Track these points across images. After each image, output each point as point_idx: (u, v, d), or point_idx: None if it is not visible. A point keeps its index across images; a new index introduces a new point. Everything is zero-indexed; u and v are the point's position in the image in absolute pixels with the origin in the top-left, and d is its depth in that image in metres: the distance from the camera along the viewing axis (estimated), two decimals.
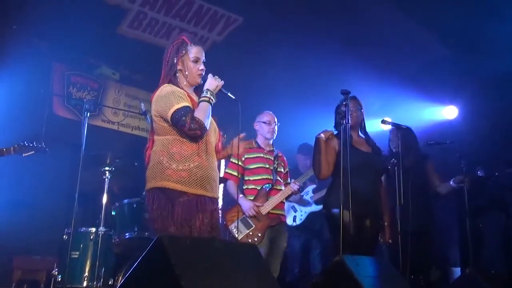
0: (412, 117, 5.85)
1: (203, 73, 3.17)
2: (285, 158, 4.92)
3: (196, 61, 3.15)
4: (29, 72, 5.31)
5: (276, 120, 4.78)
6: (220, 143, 3.29)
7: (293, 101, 6.47)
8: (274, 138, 4.79)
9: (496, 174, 5.17)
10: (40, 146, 4.18)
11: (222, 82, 3.15)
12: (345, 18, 5.76)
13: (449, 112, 6.79)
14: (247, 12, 6.16)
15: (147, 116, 4.93)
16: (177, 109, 2.95)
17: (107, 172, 4.77)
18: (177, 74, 3.15)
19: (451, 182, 4.89)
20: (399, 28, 5.82)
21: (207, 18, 6.23)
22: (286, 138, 5.35)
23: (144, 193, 4.87)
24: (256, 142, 4.78)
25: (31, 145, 4.14)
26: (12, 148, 4.06)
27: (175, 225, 2.91)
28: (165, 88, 3.06)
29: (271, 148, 4.80)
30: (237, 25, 6.36)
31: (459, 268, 5.60)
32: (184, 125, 2.92)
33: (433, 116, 6.73)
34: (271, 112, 4.83)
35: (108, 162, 4.80)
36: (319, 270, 5.42)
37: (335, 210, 3.87)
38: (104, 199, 4.69)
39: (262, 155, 4.70)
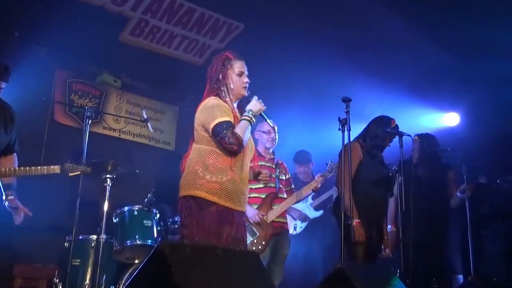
0: (413, 124, 5.85)
1: (247, 85, 3.32)
2: (285, 165, 4.93)
3: (240, 74, 3.30)
4: (30, 80, 5.31)
5: (276, 128, 4.78)
6: (255, 158, 3.42)
7: (294, 108, 6.47)
8: (274, 146, 4.79)
9: (498, 181, 5.17)
10: (86, 166, 4.11)
11: (264, 107, 3.30)
12: (345, 25, 5.78)
13: (451, 119, 6.80)
14: (249, 20, 6.18)
15: (149, 123, 4.95)
16: (220, 122, 3.07)
17: (108, 179, 4.76)
18: (223, 88, 3.27)
19: (458, 193, 4.90)
20: (400, 34, 5.84)
21: (209, 25, 6.25)
22: (286, 144, 5.35)
23: (145, 199, 4.94)
24: (257, 151, 4.78)
25: (76, 164, 4.06)
26: (58, 167, 3.97)
27: (204, 234, 2.99)
28: (212, 101, 3.19)
29: (272, 156, 4.80)
30: (238, 32, 6.37)
31: (461, 276, 5.57)
32: (224, 138, 3.04)
33: (434, 123, 6.73)
34: (271, 121, 4.82)
35: (109, 169, 4.80)
36: (321, 276, 5.41)
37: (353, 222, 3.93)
38: (106, 206, 4.68)
39: (263, 163, 4.69)
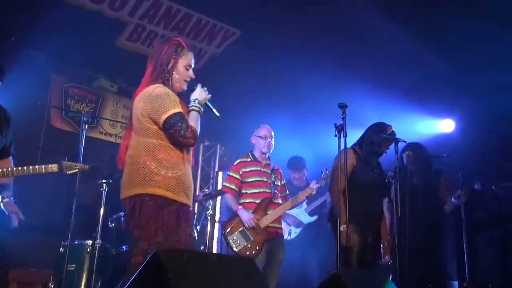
0: (409, 130, 5.88)
1: (189, 80, 3.12)
2: (281, 171, 4.94)
3: (188, 67, 3.11)
4: (27, 84, 5.30)
5: (272, 134, 4.80)
6: (193, 152, 3.18)
7: (291, 115, 6.49)
8: (271, 152, 4.81)
9: (493, 187, 5.20)
10: (83, 164, 4.12)
11: (209, 96, 3.11)
12: (342, 33, 5.79)
13: (446, 126, 6.83)
14: (245, 25, 6.20)
15: None
16: (173, 113, 2.86)
17: (104, 184, 4.75)
18: (168, 77, 3.05)
19: (453, 199, 4.92)
20: (396, 42, 5.86)
21: (206, 31, 6.26)
22: (282, 151, 5.36)
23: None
24: (253, 155, 4.79)
25: (74, 163, 4.06)
26: (56, 165, 3.97)
27: (164, 234, 2.83)
28: (159, 89, 2.95)
29: (268, 162, 4.81)
30: (235, 38, 6.39)
31: (456, 282, 5.59)
32: (180, 132, 2.85)
33: (430, 129, 6.76)
34: (267, 126, 4.84)
35: (105, 174, 4.79)
36: (316, 282, 5.41)
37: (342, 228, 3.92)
38: (101, 211, 4.67)
39: (259, 169, 4.71)
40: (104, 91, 6.55)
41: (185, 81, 3.10)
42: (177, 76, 3.07)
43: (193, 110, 3.01)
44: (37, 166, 3.90)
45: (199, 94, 3.07)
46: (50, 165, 3.94)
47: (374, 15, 5.56)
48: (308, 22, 5.79)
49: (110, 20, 5.79)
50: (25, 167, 3.86)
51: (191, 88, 3.12)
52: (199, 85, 3.11)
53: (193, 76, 3.12)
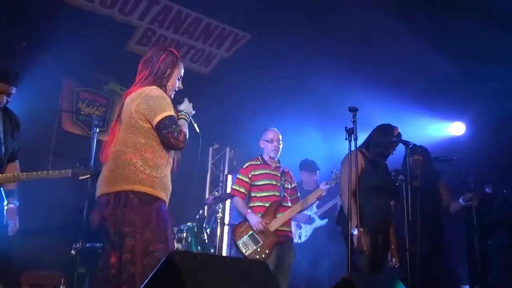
0: (419, 133, 5.86)
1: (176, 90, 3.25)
2: (291, 174, 4.93)
3: (179, 77, 3.23)
4: (38, 88, 5.35)
5: (280, 137, 4.79)
6: (176, 159, 3.26)
7: (301, 118, 6.49)
8: (278, 156, 4.80)
9: (504, 191, 5.16)
10: (95, 169, 4.16)
11: (193, 112, 3.24)
12: (352, 37, 5.80)
13: (456, 129, 6.81)
14: (255, 29, 6.22)
15: None
16: (169, 115, 2.96)
17: None
18: (165, 84, 3.14)
19: (460, 200, 4.91)
20: (406, 45, 5.86)
21: (215, 35, 6.29)
22: (292, 154, 5.36)
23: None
24: (263, 159, 4.79)
25: (86, 168, 4.10)
26: (70, 171, 4.01)
27: (152, 231, 2.86)
28: (157, 91, 3.03)
29: (278, 165, 4.80)
30: (244, 42, 6.41)
31: (468, 286, 5.56)
32: (173, 133, 2.92)
33: (440, 132, 6.75)
34: (275, 129, 4.83)
35: None
36: (327, 286, 5.40)
37: (355, 231, 3.89)
38: None
39: (269, 172, 4.71)
40: (114, 95, 6.59)
41: (174, 90, 3.23)
42: (170, 85, 3.18)
43: (182, 118, 3.13)
44: (51, 172, 3.95)
45: (187, 106, 3.19)
46: (63, 171, 3.98)
47: (384, 19, 5.56)
48: (317, 26, 5.80)
49: (120, 24, 5.84)
50: (39, 172, 3.90)
51: (177, 100, 3.23)
52: (186, 99, 3.23)
53: (182, 87, 3.25)
